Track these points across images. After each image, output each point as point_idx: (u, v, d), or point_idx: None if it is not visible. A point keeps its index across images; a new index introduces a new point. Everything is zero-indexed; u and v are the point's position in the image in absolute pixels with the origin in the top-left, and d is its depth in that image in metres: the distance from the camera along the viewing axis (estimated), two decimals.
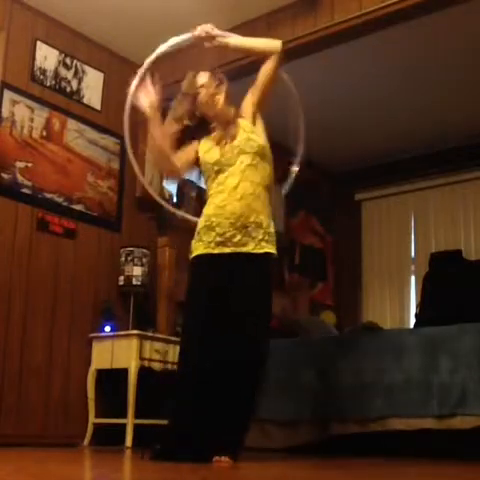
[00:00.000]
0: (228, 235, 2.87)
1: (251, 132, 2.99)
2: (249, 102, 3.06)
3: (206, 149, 3.04)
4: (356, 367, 3.67)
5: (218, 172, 2.97)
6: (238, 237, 2.86)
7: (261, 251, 2.87)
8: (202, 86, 3.03)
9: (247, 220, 2.87)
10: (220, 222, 2.88)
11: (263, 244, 2.88)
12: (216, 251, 2.88)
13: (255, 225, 2.87)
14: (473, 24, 4.30)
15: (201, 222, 2.96)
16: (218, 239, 2.88)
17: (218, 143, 3.01)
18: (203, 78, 3.06)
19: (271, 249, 2.89)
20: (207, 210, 2.96)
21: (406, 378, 3.50)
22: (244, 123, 3.01)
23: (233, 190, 2.90)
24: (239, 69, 4.47)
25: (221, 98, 3.02)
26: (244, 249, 2.86)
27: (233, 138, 2.98)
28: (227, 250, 2.87)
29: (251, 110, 3.04)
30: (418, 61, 4.77)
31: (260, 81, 3.03)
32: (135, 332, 4.19)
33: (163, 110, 3.08)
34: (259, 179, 2.93)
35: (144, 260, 4.48)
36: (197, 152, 3.07)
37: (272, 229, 2.94)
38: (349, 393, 3.63)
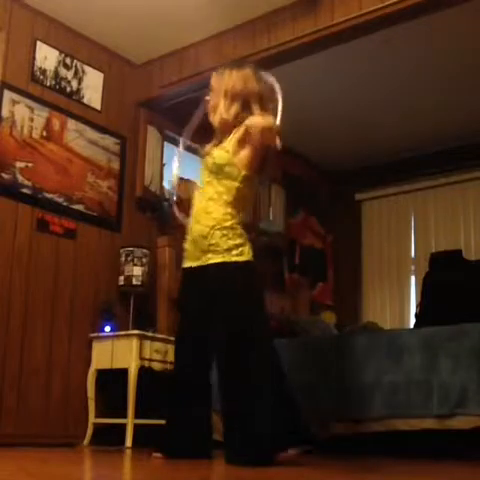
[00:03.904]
0: None
1: (221, 148, 2.92)
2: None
3: None
4: (356, 367, 3.66)
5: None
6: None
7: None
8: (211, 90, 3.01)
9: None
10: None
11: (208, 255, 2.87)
12: None
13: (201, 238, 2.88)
14: (473, 24, 4.30)
15: None
16: None
17: None
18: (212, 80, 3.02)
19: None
20: None
21: (406, 378, 3.49)
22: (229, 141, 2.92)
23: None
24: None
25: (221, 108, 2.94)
26: None
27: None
28: None
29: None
30: (418, 61, 4.77)
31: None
32: (135, 332, 4.19)
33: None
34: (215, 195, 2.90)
35: (144, 260, 4.47)
36: None
37: (215, 240, 2.85)
38: (349, 393, 3.63)
